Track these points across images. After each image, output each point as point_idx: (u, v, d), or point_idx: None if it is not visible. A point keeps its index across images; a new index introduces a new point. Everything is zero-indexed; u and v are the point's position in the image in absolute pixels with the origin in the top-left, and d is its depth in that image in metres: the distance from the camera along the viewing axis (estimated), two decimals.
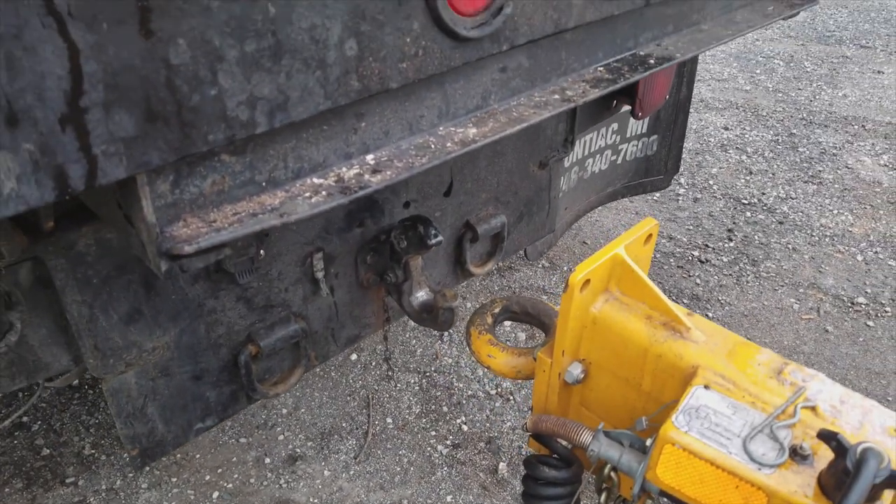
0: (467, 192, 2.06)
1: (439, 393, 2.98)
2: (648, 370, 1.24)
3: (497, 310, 1.61)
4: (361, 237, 1.82)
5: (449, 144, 1.27)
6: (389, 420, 2.86)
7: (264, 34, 0.93)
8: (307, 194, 1.11)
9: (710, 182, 4.48)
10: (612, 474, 1.33)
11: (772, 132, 5.14)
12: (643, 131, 2.94)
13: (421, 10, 1.10)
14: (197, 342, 1.59)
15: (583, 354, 1.34)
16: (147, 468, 2.65)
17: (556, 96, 1.46)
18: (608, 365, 1.31)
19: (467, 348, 1.68)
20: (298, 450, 2.74)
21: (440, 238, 1.72)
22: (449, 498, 2.54)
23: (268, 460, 2.68)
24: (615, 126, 2.79)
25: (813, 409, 1.08)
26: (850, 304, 3.48)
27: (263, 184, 1.10)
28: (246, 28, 0.91)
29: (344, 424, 2.85)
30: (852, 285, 3.61)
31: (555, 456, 1.37)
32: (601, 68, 1.59)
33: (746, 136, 5.09)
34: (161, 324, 1.50)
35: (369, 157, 1.21)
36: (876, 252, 3.86)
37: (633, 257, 1.31)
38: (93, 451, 2.73)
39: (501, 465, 2.64)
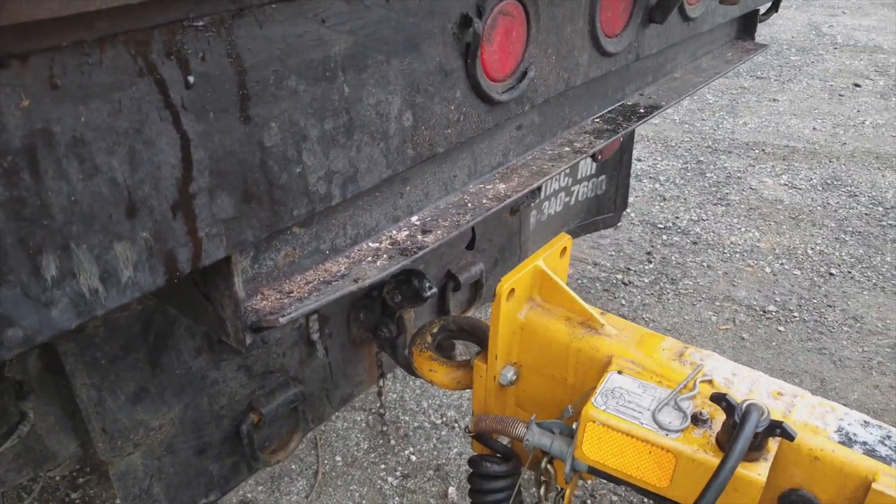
0: (448, 243, 2.12)
1: (386, 427, 3.06)
2: (571, 365, 1.40)
3: (435, 329, 1.74)
4: (353, 296, 1.83)
5: (485, 201, 1.37)
6: (338, 458, 2.93)
7: (340, 112, 1.00)
8: (369, 258, 1.18)
9: (629, 210, 4.75)
10: (549, 467, 1.47)
11: (681, 161, 5.51)
12: (592, 172, 3.06)
13: (462, 80, 1.20)
14: (200, 415, 1.59)
15: (514, 358, 1.48)
16: None
17: (567, 148, 1.60)
18: (537, 365, 1.46)
19: (411, 370, 1.79)
20: (249, 495, 2.77)
21: (434, 290, 1.75)
22: None
23: None
24: (567, 170, 2.95)
25: (710, 382, 1.26)
26: (762, 313, 3.75)
27: (327, 252, 1.16)
28: (325, 108, 0.98)
29: (293, 466, 2.90)
30: (763, 295, 3.89)
31: (496, 454, 1.50)
32: (598, 120, 1.74)
33: (658, 165, 5.44)
34: (166, 400, 1.50)
35: (414, 219, 1.29)
36: (782, 264, 4.18)
37: (552, 268, 1.47)
38: None
39: (451, 490, 2.74)
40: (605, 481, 2.70)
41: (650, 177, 5.24)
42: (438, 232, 1.26)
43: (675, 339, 1.38)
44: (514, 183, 1.45)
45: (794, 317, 3.71)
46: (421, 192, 1.32)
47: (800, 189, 5.04)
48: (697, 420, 1.18)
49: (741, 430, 1.05)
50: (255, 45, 0.86)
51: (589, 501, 2.67)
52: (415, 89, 1.12)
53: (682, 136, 5.97)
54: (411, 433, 3.03)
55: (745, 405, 1.09)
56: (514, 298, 1.41)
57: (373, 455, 2.93)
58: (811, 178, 5.18)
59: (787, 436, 1.08)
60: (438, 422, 3.08)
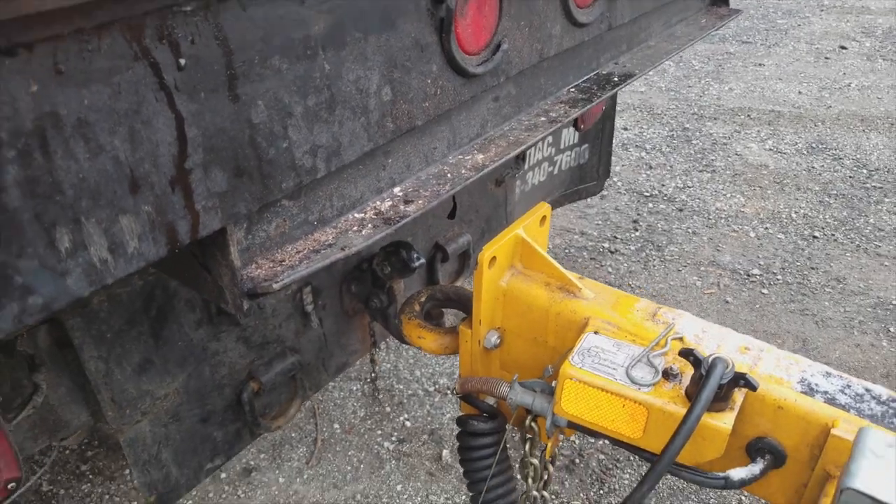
0: (436, 215, 2.19)
1: (381, 396, 3.15)
2: (551, 328, 1.47)
3: (423, 298, 1.81)
4: (344, 267, 1.92)
5: (464, 171, 1.42)
6: (336, 426, 3.02)
7: (322, 89, 1.06)
8: (355, 228, 1.24)
9: (615, 179, 4.82)
10: (533, 425, 1.55)
11: (667, 128, 5.56)
12: (575, 141, 3.09)
13: (438, 54, 1.25)
14: (203, 385, 1.66)
15: (498, 323, 1.55)
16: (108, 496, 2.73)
17: (543, 118, 1.64)
18: (519, 329, 1.53)
19: (402, 338, 1.87)
20: (252, 462, 2.86)
21: (422, 260, 1.82)
22: (399, 487, 2.71)
23: (224, 475, 2.80)
24: (550, 139, 2.95)
25: (680, 339, 1.33)
26: (746, 276, 3.84)
27: (315, 223, 1.22)
28: (308, 85, 1.03)
29: (293, 435, 2.99)
30: (747, 259, 3.97)
31: (482, 413, 1.58)
32: (573, 90, 1.78)
33: (644, 133, 5.49)
34: (170, 370, 1.58)
35: (397, 190, 1.35)
36: (766, 228, 4.25)
37: (532, 237, 1.54)
38: (51, 487, 2.78)
39: (445, 452, 2.83)
40: (592, 440, 2.80)
41: (636, 145, 5.29)
42: (420, 202, 1.32)
43: (648, 301, 1.45)
44: (491, 153, 1.51)
45: (778, 279, 3.80)
46: (403, 165, 1.37)
47: (785, 154, 5.10)
48: (668, 375, 1.26)
49: (706, 381, 1.13)
50: (240, 28, 0.91)
51: (577, 460, 2.77)
52: (392, 65, 1.17)
53: (668, 103, 6.01)
54: (406, 400, 3.11)
55: (711, 358, 1.16)
56: (496, 266, 1.48)
57: (369, 422, 3.02)
58: (796, 143, 5.24)
59: (751, 386, 1.15)
60: (431, 389, 3.16)
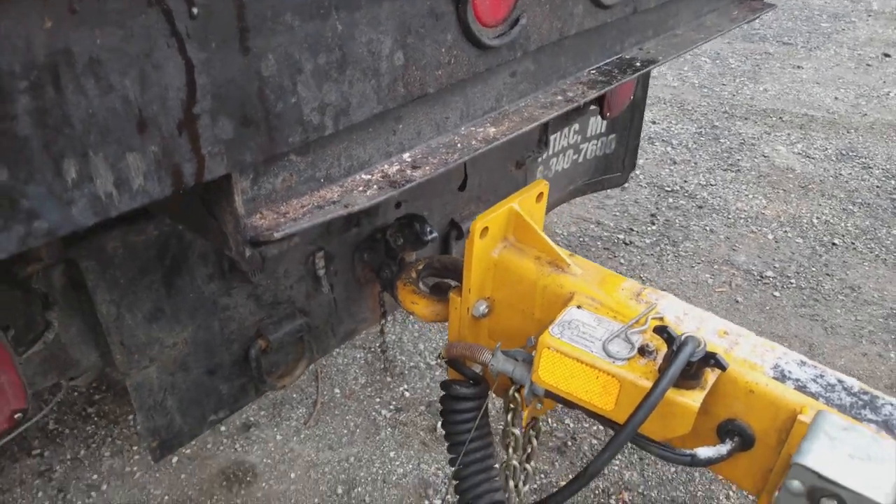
0: (453, 192, 2.22)
1: (387, 364, 3.21)
2: (538, 301, 1.50)
3: (420, 267, 1.85)
4: (357, 236, 1.95)
5: (474, 142, 1.45)
6: (337, 390, 3.09)
7: (333, 48, 1.09)
8: (360, 188, 1.27)
9: (637, 172, 4.80)
10: (516, 395, 1.58)
11: (696, 125, 5.51)
12: (602, 131, 3.08)
13: (454, 24, 1.27)
14: (212, 338, 1.70)
15: (487, 293, 1.59)
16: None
17: (559, 97, 1.66)
18: (508, 300, 1.57)
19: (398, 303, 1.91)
20: (252, 418, 2.94)
21: (435, 234, 1.86)
22: (392, 454, 2.77)
23: (223, 428, 2.88)
24: (577, 126, 2.94)
25: (661, 319, 1.35)
26: (759, 278, 3.82)
27: (322, 180, 1.26)
28: (319, 43, 1.06)
29: (294, 395, 3.06)
30: (762, 261, 3.95)
31: (467, 379, 1.62)
32: (594, 71, 1.79)
33: (672, 129, 5.45)
34: (180, 320, 1.62)
35: (406, 155, 1.38)
36: (785, 231, 4.22)
37: (528, 212, 1.57)
38: (56, 426, 2.89)
39: (440, 424, 2.88)
40: (587, 424, 2.83)
41: (663, 140, 5.26)
42: (427, 168, 1.34)
43: (635, 281, 1.47)
44: (504, 127, 1.52)
45: (791, 283, 3.78)
46: (413, 131, 1.39)
47: (813, 158, 5.04)
48: (644, 351, 1.28)
49: (675, 357, 1.15)
50: None
51: (569, 443, 2.81)
52: (406, 30, 1.19)
53: (700, 100, 5.96)
54: (407, 372, 3.17)
55: (683, 337, 1.19)
56: (489, 237, 1.51)
57: (369, 389, 3.08)
58: (826, 149, 5.17)
59: (720, 366, 1.18)
60: (433, 363, 3.21)
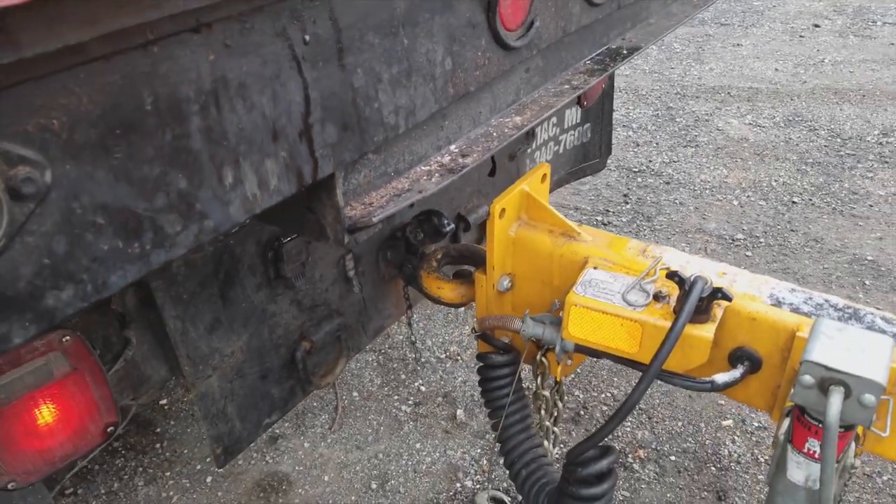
0: (457, 188, 2.40)
1: (395, 365, 3.37)
2: (555, 269, 1.69)
3: (439, 255, 2.03)
4: (380, 236, 2.11)
5: (506, 130, 1.64)
6: (355, 394, 3.24)
7: (402, 59, 1.27)
8: (424, 177, 1.46)
9: None
10: (544, 360, 1.77)
11: (652, 108, 5.79)
12: (578, 121, 3.24)
13: (486, 31, 1.47)
14: (262, 344, 1.82)
15: (509, 269, 1.77)
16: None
17: (566, 86, 1.87)
18: (527, 273, 1.75)
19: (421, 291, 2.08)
20: (277, 430, 3.07)
21: (452, 226, 2.03)
22: (417, 445, 2.93)
23: (251, 444, 3.00)
24: (554, 119, 3.12)
25: (667, 269, 1.55)
26: (731, 241, 4.07)
27: (392, 174, 1.44)
28: (392, 56, 1.24)
29: (314, 404, 3.20)
30: (731, 225, 4.21)
31: (498, 350, 1.80)
32: (589, 62, 2.02)
33: (631, 114, 5.72)
34: (235, 330, 1.73)
35: (453, 147, 1.57)
36: (748, 196, 4.49)
37: (534, 192, 1.76)
38: (85, 464, 2.98)
39: (459, 412, 3.05)
40: (595, 394, 3.02)
41: (623, 125, 5.51)
42: (475, 155, 1.54)
43: (638, 241, 1.67)
44: (527, 115, 1.73)
45: (761, 242, 4.04)
46: (456, 126, 1.60)
47: (763, 127, 5.34)
48: (658, 297, 1.47)
49: (689, 294, 1.35)
50: (346, 10, 1.14)
51: (582, 412, 3.00)
52: (452, 39, 1.40)
53: (653, 84, 6.24)
54: (419, 368, 3.33)
55: (692, 277, 1.38)
56: (506, 217, 1.69)
57: (386, 389, 3.23)
58: (774, 117, 5.48)
59: (727, 297, 1.37)
60: (443, 356, 3.38)
